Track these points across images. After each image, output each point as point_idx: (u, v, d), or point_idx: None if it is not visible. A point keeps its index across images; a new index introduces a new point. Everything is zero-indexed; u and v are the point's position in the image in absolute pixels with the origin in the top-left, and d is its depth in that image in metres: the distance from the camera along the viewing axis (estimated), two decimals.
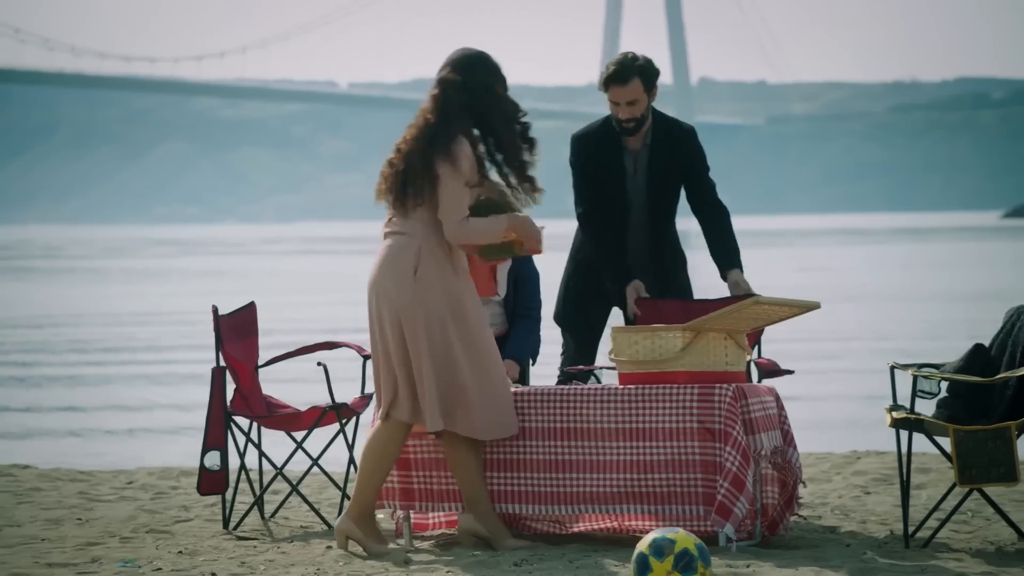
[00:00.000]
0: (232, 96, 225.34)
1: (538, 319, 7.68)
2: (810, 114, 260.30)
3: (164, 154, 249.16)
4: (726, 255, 7.78)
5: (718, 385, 6.90)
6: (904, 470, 6.96)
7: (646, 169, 7.83)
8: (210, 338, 7.80)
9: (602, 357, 7.71)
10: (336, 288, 36.57)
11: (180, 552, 7.06)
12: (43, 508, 8.41)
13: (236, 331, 7.83)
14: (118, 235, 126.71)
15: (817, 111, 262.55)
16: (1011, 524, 6.93)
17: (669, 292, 7.84)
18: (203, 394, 8.02)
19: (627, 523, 7.36)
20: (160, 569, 6.66)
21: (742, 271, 7.72)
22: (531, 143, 7.01)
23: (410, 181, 6.84)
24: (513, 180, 6.97)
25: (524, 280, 7.66)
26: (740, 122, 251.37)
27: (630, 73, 7.74)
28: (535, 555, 6.80)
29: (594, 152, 7.79)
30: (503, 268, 7.61)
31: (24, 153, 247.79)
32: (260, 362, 7.83)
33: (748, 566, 6.44)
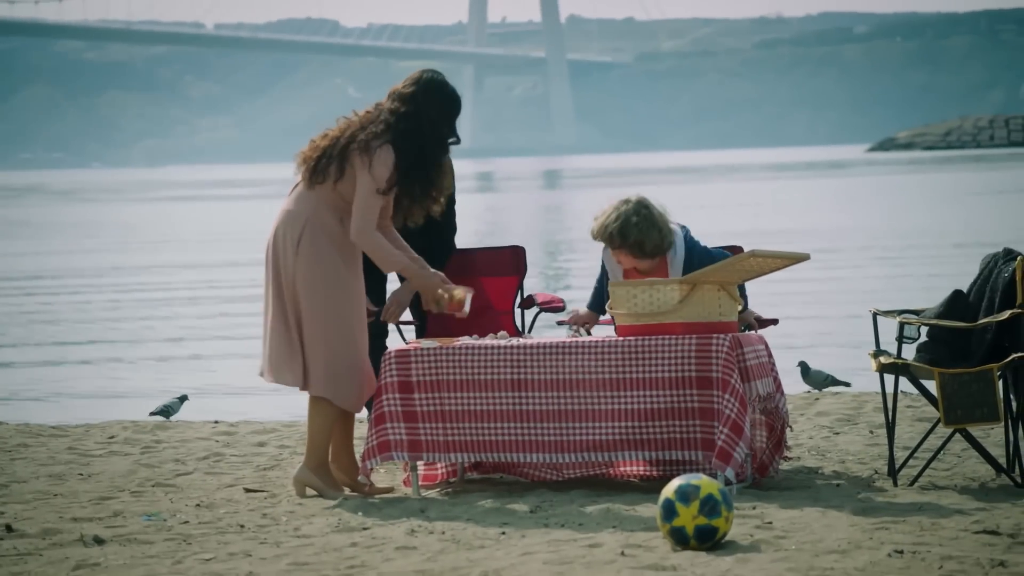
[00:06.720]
0: (96, 38, 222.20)
1: None
2: (678, 51, 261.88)
3: (26, 98, 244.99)
4: None
5: (715, 335, 7.23)
6: (890, 413, 7.34)
7: None
8: None
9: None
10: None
11: (198, 505, 7.27)
12: (40, 464, 8.56)
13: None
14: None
15: (685, 48, 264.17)
16: (990, 461, 7.32)
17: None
18: None
19: (622, 469, 7.70)
20: (187, 522, 6.88)
21: None
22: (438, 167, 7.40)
23: (323, 160, 7.35)
24: (417, 191, 7.40)
25: None
26: (610, 60, 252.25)
27: None
28: (546, 501, 7.10)
29: None
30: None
31: None
32: None
33: (754, 508, 6.79)
